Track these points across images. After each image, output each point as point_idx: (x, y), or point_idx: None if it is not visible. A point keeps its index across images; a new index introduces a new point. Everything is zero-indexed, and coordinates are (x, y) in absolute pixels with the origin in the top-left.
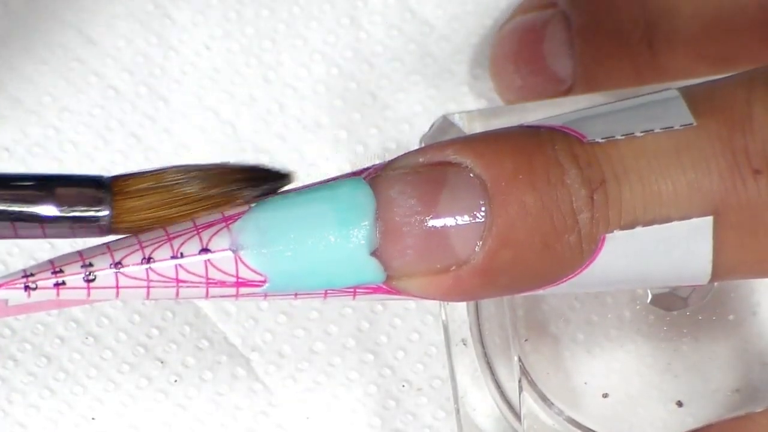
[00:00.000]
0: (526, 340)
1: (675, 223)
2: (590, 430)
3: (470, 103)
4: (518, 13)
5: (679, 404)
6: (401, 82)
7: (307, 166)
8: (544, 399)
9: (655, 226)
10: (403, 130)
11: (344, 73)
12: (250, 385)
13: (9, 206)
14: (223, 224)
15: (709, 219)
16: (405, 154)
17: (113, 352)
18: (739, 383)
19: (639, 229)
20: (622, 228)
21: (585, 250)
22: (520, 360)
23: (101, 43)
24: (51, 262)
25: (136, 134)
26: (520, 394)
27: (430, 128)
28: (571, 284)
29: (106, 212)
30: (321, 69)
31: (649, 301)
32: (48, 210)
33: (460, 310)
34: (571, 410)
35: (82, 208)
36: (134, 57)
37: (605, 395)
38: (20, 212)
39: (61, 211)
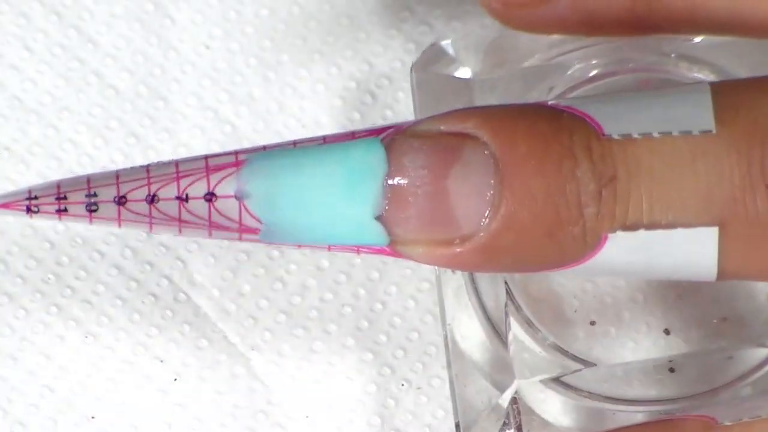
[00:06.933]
0: None
1: (679, 230)
2: (577, 357)
3: None
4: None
5: (667, 332)
6: (400, 82)
7: None
8: (530, 324)
9: (659, 231)
10: None
11: (343, 73)
12: (250, 384)
13: None
14: (234, 168)
15: (715, 230)
16: (427, 118)
17: (113, 351)
18: (727, 312)
19: (642, 232)
20: (626, 229)
21: (587, 243)
22: (506, 284)
23: (101, 42)
24: (57, 185)
25: (136, 134)
26: (506, 320)
27: (422, 55)
28: (572, 271)
29: None
30: (320, 69)
31: None
32: None
33: None
34: (558, 337)
35: None
36: (134, 56)
37: (593, 323)
38: None
39: None
